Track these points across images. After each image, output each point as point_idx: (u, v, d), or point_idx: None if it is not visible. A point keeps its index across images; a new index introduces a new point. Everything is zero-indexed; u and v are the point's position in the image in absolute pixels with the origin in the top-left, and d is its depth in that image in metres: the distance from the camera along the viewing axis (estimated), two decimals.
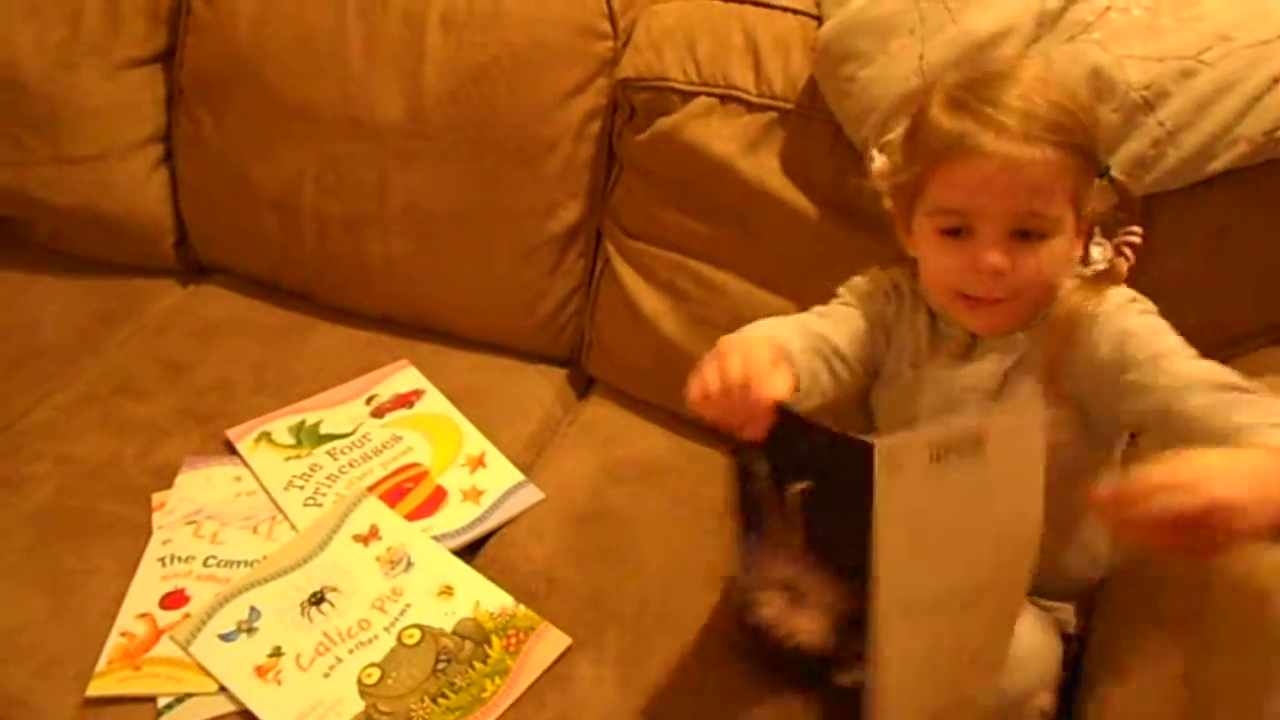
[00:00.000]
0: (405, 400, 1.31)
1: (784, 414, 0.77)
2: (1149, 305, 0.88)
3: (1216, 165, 0.98)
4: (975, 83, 0.85)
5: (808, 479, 0.78)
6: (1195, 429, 0.76)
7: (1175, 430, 0.78)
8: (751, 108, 1.17)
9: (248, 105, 1.37)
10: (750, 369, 0.76)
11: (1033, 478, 0.71)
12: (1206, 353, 0.83)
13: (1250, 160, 0.98)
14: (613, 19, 1.23)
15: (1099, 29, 1.01)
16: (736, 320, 1.18)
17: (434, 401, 1.31)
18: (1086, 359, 0.86)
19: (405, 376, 1.34)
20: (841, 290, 1.00)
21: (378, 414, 1.29)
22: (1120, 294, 0.88)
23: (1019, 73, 0.85)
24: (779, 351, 0.82)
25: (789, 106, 1.15)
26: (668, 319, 1.25)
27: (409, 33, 1.28)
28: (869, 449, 0.69)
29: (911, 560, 0.73)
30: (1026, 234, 0.84)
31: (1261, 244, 1.01)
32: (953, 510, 0.72)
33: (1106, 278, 0.90)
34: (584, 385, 1.39)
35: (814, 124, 1.14)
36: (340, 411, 1.29)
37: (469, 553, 1.14)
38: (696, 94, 1.18)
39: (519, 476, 1.22)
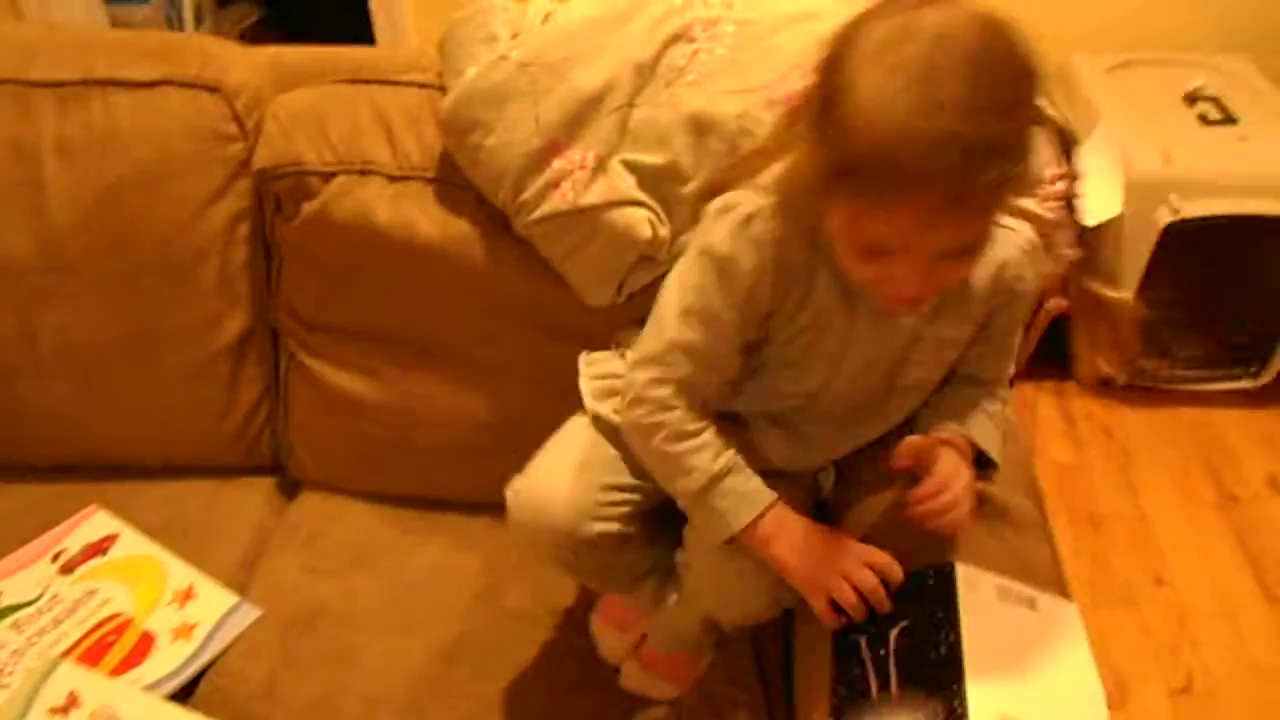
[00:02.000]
0: (97, 549, 1.22)
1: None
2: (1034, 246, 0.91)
3: None
4: (905, 77, 0.70)
5: (900, 621, 0.83)
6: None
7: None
8: (394, 179, 1.17)
9: None
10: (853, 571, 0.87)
11: (1081, 650, 0.81)
12: None
13: None
14: (238, 120, 1.21)
15: (692, 70, 1.09)
16: (432, 390, 1.22)
17: (130, 543, 1.23)
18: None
19: (95, 523, 1.26)
20: (731, 244, 0.86)
21: (67, 570, 1.20)
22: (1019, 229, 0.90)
23: (946, 71, 0.70)
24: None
25: (430, 175, 1.17)
26: (366, 402, 1.25)
27: (22, 166, 1.20)
28: (951, 566, 0.84)
29: (997, 678, 0.78)
30: (948, 255, 0.77)
31: None
32: (1022, 647, 0.81)
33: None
34: (295, 488, 1.35)
35: (457, 190, 1.16)
36: (23, 577, 1.19)
37: (187, 693, 1.08)
38: (335, 174, 1.17)
39: (232, 599, 1.17)
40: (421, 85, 1.20)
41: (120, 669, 1.09)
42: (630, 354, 0.96)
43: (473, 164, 1.12)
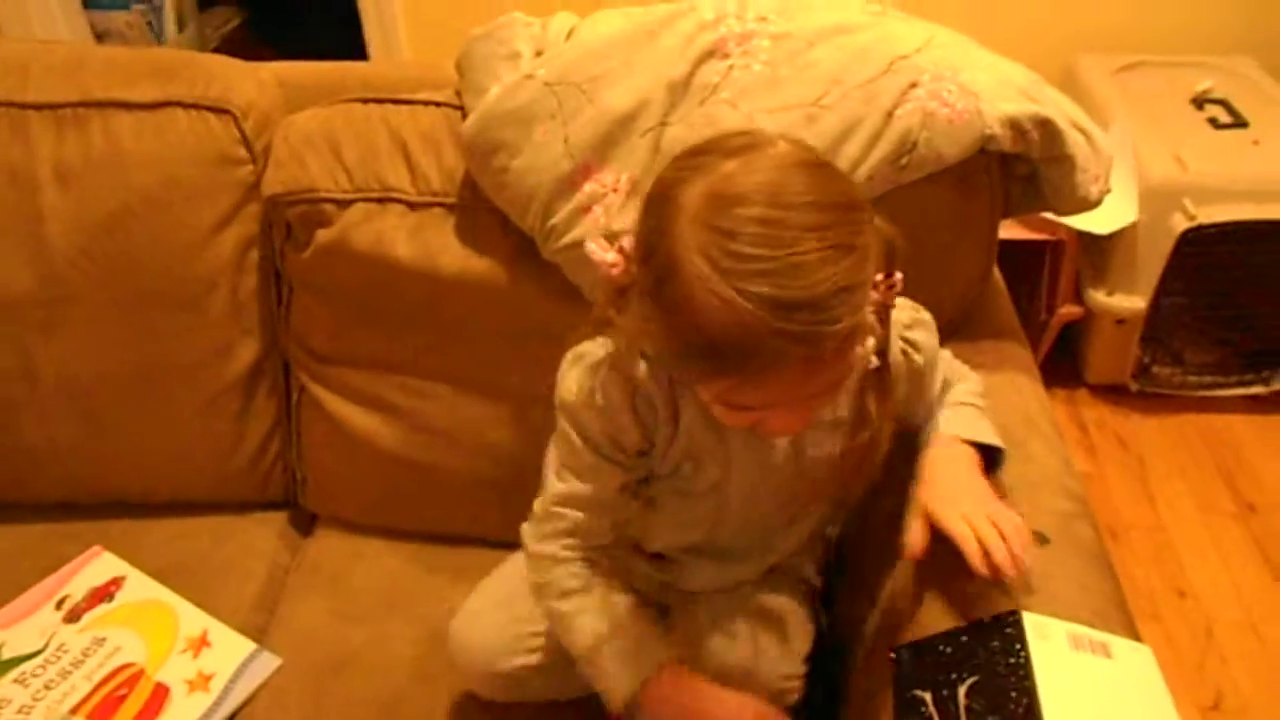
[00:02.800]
0: (103, 593, 1.17)
1: (914, 648, 0.83)
2: (911, 316, 0.90)
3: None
4: (731, 255, 0.64)
5: (968, 677, 0.79)
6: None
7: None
8: (414, 207, 1.12)
9: None
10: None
11: (1164, 702, 0.77)
12: None
13: (883, 189, 1.04)
14: (247, 143, 1.15)
15: (726, 88, 1.04)
16: (454, 423, 1.17)
17: (138, 586, 1.18)
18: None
19: (100, 565, 1.20)
20: (579, 394, 0.84)
21: (72, 618, 1.14)
22: (898, 327, 0.87)
23: (779, 227, 0.65)
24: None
25: (452, 200, 1.12)
26: (383, 436, 1.20)
27: (18, 193, 1.14)
28: (1017, 615, 0.79)
29: None
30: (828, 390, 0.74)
31: (907, 263, 1.08)
32: (1102, 700, 0.76)
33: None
34: (309, 522, 1.30)
35: (480, 214, 1.11)
36: (25, 626, 1.13)
37: None
38: (352, 201, 1.12)
39: (250, 646, 1.12)
40: (438, 104, 1.15)
41: None
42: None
43: (498, 188, 1.07)
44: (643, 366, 0.82)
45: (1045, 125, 1.01)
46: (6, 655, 1.10)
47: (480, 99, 1.08)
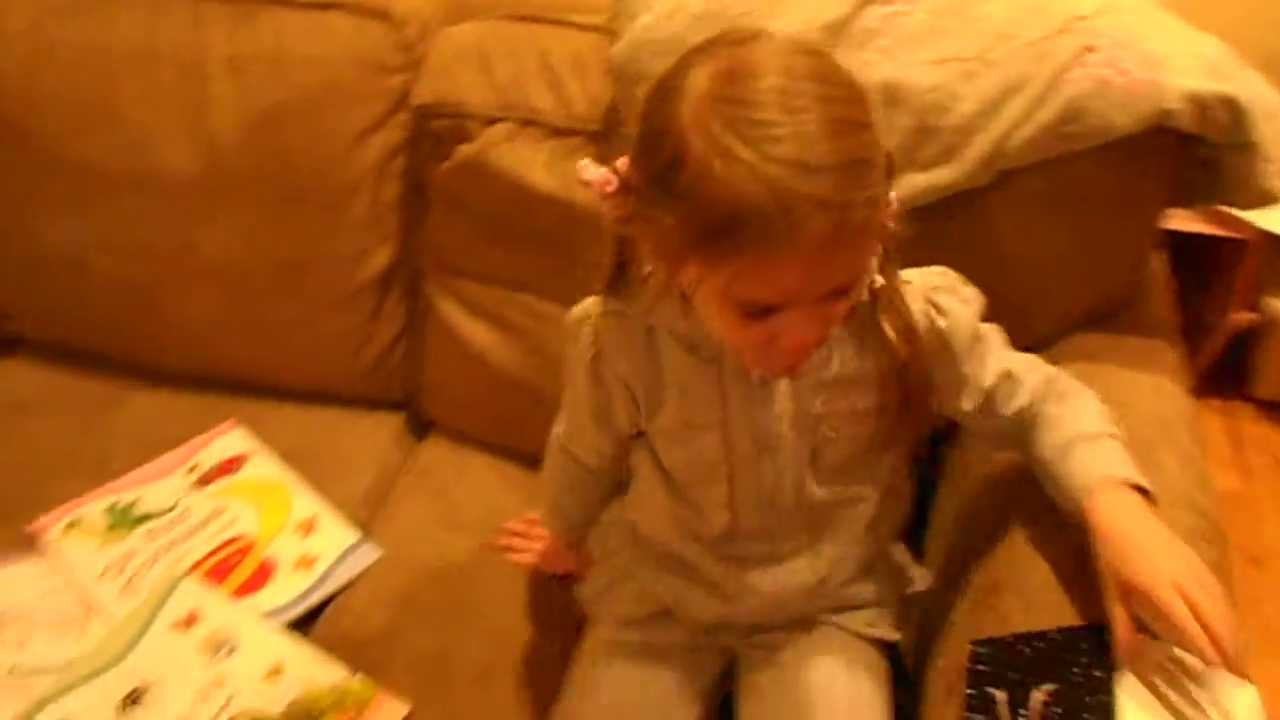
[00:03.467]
0: (230, 466, 1.24)
1: (995, 644, 0.78)
2: (944, 281, 0.83)
3: (1009, 163, 0.98)
4: (748, 122, 0.62)
5: (1046, 684, 0.75)
6: (1028, 438, 0.83)
7: (999, 428, 0.85)
8: (556, 132, 1.12)
9: (22, 166, 1.28)
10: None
11: None
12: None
13: (1042, 155, 0.97)
14: (404, 50, 1.17)
15: (886, 35, 0.99)
16: None
17: (261, 464, 1.24)
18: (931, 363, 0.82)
19: (231, 440, 1.27)
20: (569, 344, 0.87)
21: (201, 484, 1.22)
22: (918, 278, 0.82)
23: (794, 96, 0.63)
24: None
25: (595, 128, 1.12)
26: (498, 353, 1.22)
27: (189, 81, 1.20)
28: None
29: None
30: (835, 293, 0.70)
31: (1058, 238, 1.02)
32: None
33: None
34: (424, 429, 1.34)
35: (621, 144, 1.09)
36: (159, 486, 1.22)
37: (306, 624, 1.09)
38: (496, 120, 1.13)
39: (354, 537, 1.17)
40: (591, 28, 1.14)
41: (241, 592, 1.10)
42: None
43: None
44: (619, 325, 0.83)
45: (1232, 105, 0.92)
46: (140, 510, 1.19)
47: (632, 25, 1.06)
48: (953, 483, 1.04)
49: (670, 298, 0.76)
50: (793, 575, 0.90)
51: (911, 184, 0.99)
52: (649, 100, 0.68)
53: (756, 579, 0.90)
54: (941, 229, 1.01)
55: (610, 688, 0.93)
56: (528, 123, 1.13)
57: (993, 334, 0.85)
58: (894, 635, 0.94)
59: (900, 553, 0.98)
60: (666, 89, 0.66)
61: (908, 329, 0.78)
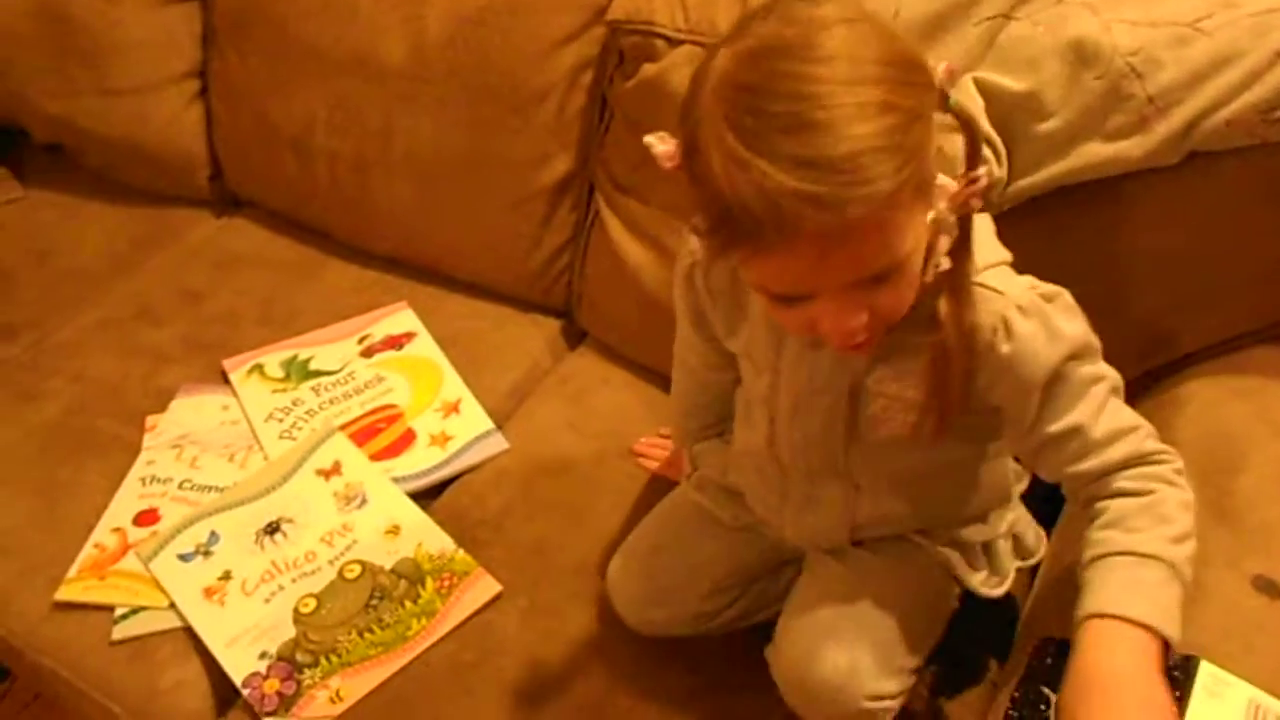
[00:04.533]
0: (396, 342, 1.34)
1: (1062, 645, 0.73)
2: (1040, 304, 0.73)
3: (1206, 144, 0.89)
4: (753, 112, 0.59)
5: None
6: (1080, 513, 0.76)
7: (1052, 476, 0.77)
8: None
9: (268, 45, 1.41)
10: None
11: None
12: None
13: (1242, 141, 0.88)
14: None
15: None
16: None
17: (423, 345, 1.33)
18: (988, 383, 0.75)
19: (401, 318, 1.37)
20: (676, 274, 0.90)
21: (367, 354, 1.32)
22: (1013, 290, 0.73)
23: (814, 81, 0.59)
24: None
25: None
26: (650, 273, 1.23)
27: None
28: (1196, 661, 0.68)
29: None
30: (875, 278, 0.66)
31: (1251, 236, 0.92)
32: None
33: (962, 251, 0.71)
34: (578, 338, 1.39)
35: None
36: (332, 349, 1.33)
37: (431, 496, 1.17)
38: (682, 41, 1.13)
39: (488, 425, 1.23)
40: None
41: (380, 456, 1.19)
42: None
43: None
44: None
45: None
46: (313, 367, 1.31)
47: None
48: None
49: None
50: (826, 521, 0.89)
51: (1091, 154, 0.92)
52: (698, 70, 0.65)
53: (794, 514, 0.90)
54: (1075, 219, 0.94)
55: (677, 515, 1.02)
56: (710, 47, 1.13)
57: (1086, 381, 0.73)
58: (970, 577, 0.90)
59: (1010, 522, 0.92)
60: (699, 70, 0.65)
61: (963, 332, 0.71)
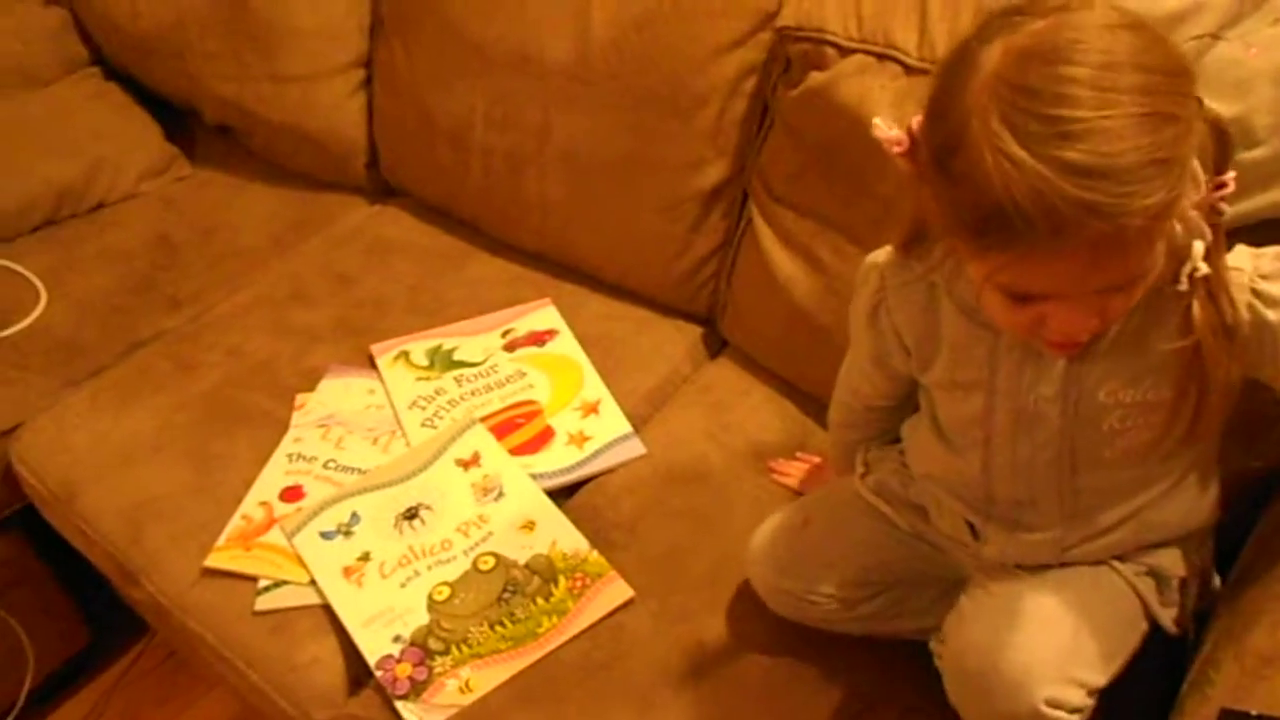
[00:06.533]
0: (538, 338, 1.34)
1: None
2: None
3: None
4: (1031, 116, 0.58)
5: None
6: None
7: None
8: (909, 70, 1.08)
9: (433, 39, 1.43)
10: None
11: None
12: None
13: None
14: None
15: None
16: None
17: (564, 343, 1.33)
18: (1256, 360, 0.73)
19: (544, 315, 1.38)
20: (856, 292, 0.89)
21: (510, 348, 1.33)
22: (1250, 262, 0.72)
23: (1093, 88, 0.57)
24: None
25: None
26: (800, 287, 1.21)
27: None
28: None
29: None
30: (1112, 288, 0.65)
31: None
32: None
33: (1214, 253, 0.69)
34: (718, 346, 1.37)
35: None
36: (476, 340, 1.34)
37: (565, 494, 1.17)
38: (853, 50, 1.11)
39: (627, 428, 1.23)
40: None
41: (518, 451, 1.20)
42: None
43: None
44: (904, 278, 0.82)
45: None
46: (457, 357, 1.32)
47: None
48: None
49: (954, 259, 0.75)
50: (1032, 547, 0.85)
51: None
52: (945, 64, 0.65)
53: (994, 534, 0.87)
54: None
55: (836, 498, 1.00)
56: (883, 57, 1.09)
57: None
58: (1161, 613, 0.84)
59: (1202, 555, 0.88)
60: (962, 58, 0.63)
61: (1225, 328, 0.69)
